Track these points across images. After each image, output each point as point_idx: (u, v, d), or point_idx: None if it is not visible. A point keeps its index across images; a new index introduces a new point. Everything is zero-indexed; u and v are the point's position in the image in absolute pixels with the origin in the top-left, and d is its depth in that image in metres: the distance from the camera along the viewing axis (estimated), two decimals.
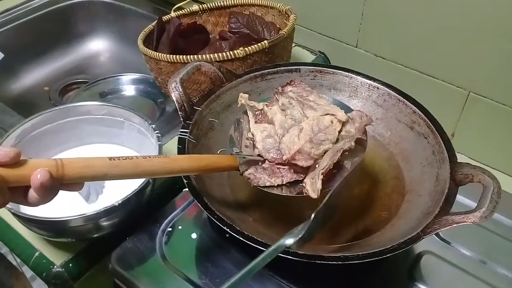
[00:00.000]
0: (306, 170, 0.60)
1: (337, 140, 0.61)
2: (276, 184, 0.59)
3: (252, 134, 0.64)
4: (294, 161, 0.59)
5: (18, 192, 0.43)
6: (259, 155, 0.62)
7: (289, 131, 0.62)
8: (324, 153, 0.60)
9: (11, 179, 0.41)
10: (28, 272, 0.92)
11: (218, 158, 0.61)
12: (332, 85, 0.76)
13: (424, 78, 0.86)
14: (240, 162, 0.61)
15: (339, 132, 0.62)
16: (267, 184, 0.59)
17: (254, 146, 0.63)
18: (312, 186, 0.57)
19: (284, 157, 0.60)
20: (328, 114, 0.62)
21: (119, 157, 0.47)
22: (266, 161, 0.62)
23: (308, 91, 0.66)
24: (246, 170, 0.60)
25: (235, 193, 0.67)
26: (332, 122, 0.62)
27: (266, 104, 0.66)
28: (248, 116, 0.66)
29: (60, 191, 0.45)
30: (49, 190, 0.42)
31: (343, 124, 0.62)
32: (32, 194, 0.43)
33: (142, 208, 0.69)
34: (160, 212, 0.71)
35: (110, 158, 0.47)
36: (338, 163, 0.59)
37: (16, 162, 0.41)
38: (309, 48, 1.03)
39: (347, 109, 0.64)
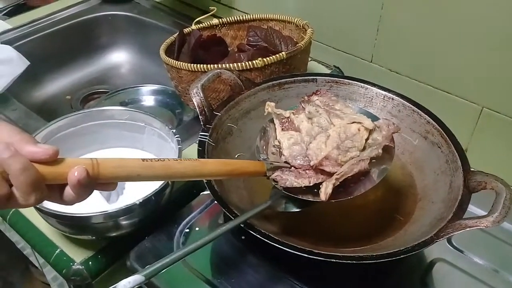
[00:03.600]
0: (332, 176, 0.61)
1: (364, 148, 0.62)
2: (303, 185, 0.59)
3: (279, 142, 0.65)
4: (321, 167, 0.60)
5: (55, 190, 0.44)
6: (286, 162, 0.63)
7: (316, 138, 0.63)
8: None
9: (49, 176, 0.42)
10: (50, 273, 0.94)
11: (246, 163, 0.61)
12: (347, 96, 0.78)
13: (438, 93, 0.87)
14: (268, 168, 0.61)
15: (366, 140, 0.62)
16: (294, 184, 0.59)
17: (280, 153, 0.64)
18: (325, 189, 0.58)
19: (312, 163, 0.60)
20: (355, 122, 0.63)
21: (151, 159, 0.49)
22: (293, 167, 0.62)
23: (334, 100, 0.68)
24: (273, 173, 0.61)
25: (251, 196, 0.69)
26: (359, 130, 0.63)
27: (292, 112, 0.67)
28: (275, 124, 0.67)
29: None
30: (85, 188, 0.43)
31: (370, 132, 0.63)
32: (68, 192, 0.44)
33: (160, 209, 0.70)
34: (178, 214, 0.72)
35: (143, 160, 0.48)
36: (366, 171, 0.60)
37: (54, 159, 0.43)
38: (324, 63, 1.06)
39: (374, 118, 0.66)
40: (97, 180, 0.44)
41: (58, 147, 0.43)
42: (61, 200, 0.45)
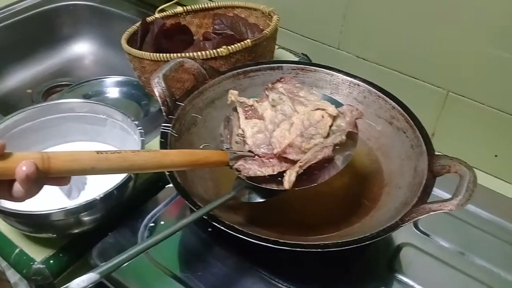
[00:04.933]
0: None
1: (328, 135, 0.62)
2: (267, 174, 0.58)
3: (243, 130, 0.64)
4: (285, 154, 0.59)
5: (3, 186, 0.43)
6: (249, 151, 0.62)
7: (280, 125, 0.62)
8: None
9: None
10: (13, 277, 0.91)
11: (209, 153, 0.60)
12: (313, 83, 0.77)
13: (405, 78, 0.87)
14: (231, 157, 0.60)
15: (330, 126, 0.62)
16: (258, 173, 0.58)
17: (244, 142, 0.63)
18: (288, 177, 0.57)
19: (275, 151, 0.60)
20: (318, 109, 0.63)
21: (107, 151, 0.47)
22: (257, 156, 0.61)
23: (299, 87, 0.67)
24: (236, 163, 0.60)
25: (217, 187, 0.67)
26: (323, 116, 0.62)
27: (256, 100, 0.66)
28: (238, 113, 0.66)
29: (45, 187, 0.45)
30: (34, 183, 0.42)
31: (334, 118, 0.62)
32: (17, 187, 0.42)
33: (124, 204, 0.69)
34: (142, 208, 0.71)
35: (97, 152, 0.46)
36: (330, 157, 0.59)
37: (0, 154, 0.41)
38: (292, 50, 1.05)
39: (338, 104, 0.65)
40: (48, 175, 0.43)
41: (4, 141, 0.41)
42: (10, 197, 0.43)
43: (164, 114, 0.67)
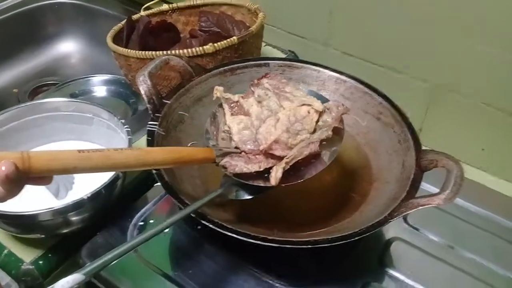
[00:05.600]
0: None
1: (315, 130, 0.62)
2: (253, 171, 0.58)
3: (229, 127, 0.63)
4: (271, 151, 0.59)
5: None
6: (236, 147, 0.61)
7: (266, 121, 0.62)
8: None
9: None
10: (5, 278, 0.90)
11: (194, 151, 0.60)
12: (300, 79, 0.77)
13: (392, 74, 0.87)
14: (217, 154, 0.60)
15: (316, 122, 0.62)
16: (244, 170, 0.57)
17: (230, 139, 0.63)
18: (275, 174, 0.57)
19: (261, 147, 0.59)
20: (304, 104, 0.63)
21: (89, 150, 0.46)
22: (243, 152, 0.61)
23: (284, 83, 0.67)
24: (222, 159, 0.60)
25: (206, 185, 0.67)
26: (308, 112, 0.62)
27: (242, 96, 0.66)
28: (224, 109, 0.65)
29: (29, 187, 0.44)
30: (14, 183, 0.41)
31: (320, 114, 0.62)
32: None
33: (112, 203, 0.68)
34: (131, 207, 0.70)
35: (79, 151, 0.46)
36: (316, 153, 0.59)
37: None
38: (279, 47, 1.04)
39: (324, 100, 0.65)
40: (29, 174, 0.42)
41: None
42: None
43: (150, 112, 0.66)
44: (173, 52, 0.75)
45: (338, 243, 0.53)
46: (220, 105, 0.66)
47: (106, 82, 1.09)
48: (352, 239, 0.53)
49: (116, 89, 1.08)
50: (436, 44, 0.79)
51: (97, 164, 0.47)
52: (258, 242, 0.52)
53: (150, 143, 0.63)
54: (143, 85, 0.66)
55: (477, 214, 0.73)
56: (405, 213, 0.55)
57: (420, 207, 0.55)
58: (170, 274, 0.63)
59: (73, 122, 0.76)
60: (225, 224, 0.54)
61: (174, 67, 0.72)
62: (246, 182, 0.58)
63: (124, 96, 1.06)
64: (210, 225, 0.53)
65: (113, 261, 0.45)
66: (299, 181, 0.58)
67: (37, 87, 1.13)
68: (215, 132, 0.64)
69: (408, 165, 0.62)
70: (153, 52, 0.77)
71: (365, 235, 0.54)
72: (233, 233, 0.53)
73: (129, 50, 0.79)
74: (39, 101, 0.74)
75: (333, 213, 0.65)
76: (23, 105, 0.73)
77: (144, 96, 0.66)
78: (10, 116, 0.72)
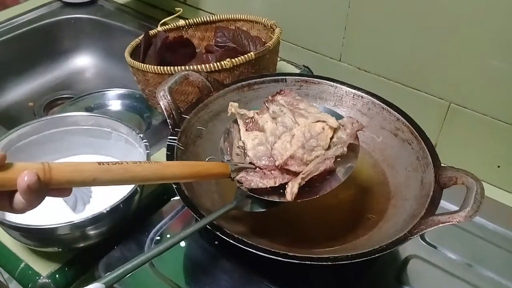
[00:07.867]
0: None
1: (329, 147, 0.62)
2: (269, 186, 0.58)
3: (243, 142, 0.64)
4: (286, 166, 0.59)
5: (3, 197, 0.42)
6: (250, 163, 0.61)
7: (281, 137, 0.62)
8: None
9: None
10: None
11: (210, 165, 0.60)
12: (317, 95, 0.77)
13: (407, 90, 0.88)
14: (232, 169, 0.60)
15: (331, 138, 0.62)
16: (260, 185, 0.58)
17: (245, 154, 0.63)
18: (291, 189, 0.57)
19: (277, 163, 0.59)
20: (319, 121, 0.63)
21: (108, 162, 0.47)
22: (258, 168, 0.61)
23: (298, 99, 0.67)
24: (238, 175, 0.60)
25: (224, 200, 0.67)
26: (323, 128, 0.62)
27: (256, 112, 0.66)
28: (239, 125, 0.66)
29: (47, 199, 0.44)
30: (36, 194, 0.41)
31: (335, 130, 0.62)
32: (18, 198, 0.42)
33: (129, 217, 0.68)
34: (148, 221, 0.70)
35: (99, 163, 0.46)
36: (331, 169, 0.59)
37: (1, 165, 0.41)
38: (293, 63, 1.05)
39: (338, 116, 0.65)
40: (50, 186, 0.42)
41: (4, 153, 0.41)
42: (11, 209, 0.43)
43: (170, 127, 0.67)
44: (191, 67, 0.76)
45: (358, 260, 0.53)
46: (235, 121, 0.66)
47: (121, 96, 1.10)
48: (373, 256, 0.53)
49: (130, 103, 1.09)
50: (451, 60, 0.80)
51: (116, 177, 0.47)
52: (279, 258, 0.52)
53: (169, 158, 0.63)
54: (163, 100, 0.66)
55: (494, 232, 0.73)
56: (425, 231, 0.55)
57: (441, 225, 0.54)
58: None
59: (91, 136, 0.76)
60: (245, 240, 0.54)
61: (193, 82, 0.73)
62: (262, 197, 0.58)
63: (138, 110, 1.07)
64: (232, 241, 0.53)
65: (133, 271, 0.45)
66: (314, 197, 0.58)
67: (52, 101, 1.14)
68: (228, 148, 0.64)
69: (427, 182, 0.62)
70: (172, 68, 0.77)
71: (385, 252, 0.53)
72: (253, 249, 0.53)
73: (147, 66, 0.80)
74: (58, 115, 0.75)
75: (350, 230, 0.65)
76: (42, 119, 0.74)
77: (164, 111, 0.66)
78: (29, 130, 0.72)
